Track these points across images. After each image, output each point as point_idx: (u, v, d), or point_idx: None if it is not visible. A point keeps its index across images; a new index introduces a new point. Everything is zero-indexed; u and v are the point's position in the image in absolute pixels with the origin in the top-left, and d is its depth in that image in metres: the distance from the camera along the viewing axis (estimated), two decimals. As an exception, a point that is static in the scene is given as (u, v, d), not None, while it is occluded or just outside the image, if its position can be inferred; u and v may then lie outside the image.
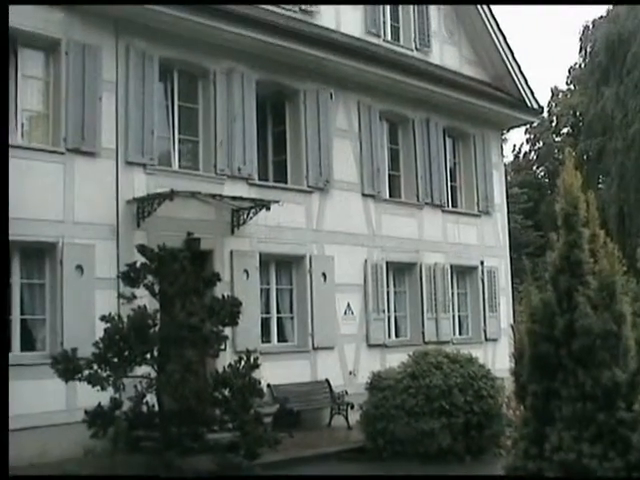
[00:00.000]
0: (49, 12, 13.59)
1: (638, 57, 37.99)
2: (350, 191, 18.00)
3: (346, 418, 15.88)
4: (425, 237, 19.63)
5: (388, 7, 20.07)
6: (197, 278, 11.76)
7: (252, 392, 11.58)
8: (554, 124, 50.75)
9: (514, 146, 51.88)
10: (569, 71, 50.39)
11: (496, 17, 21.43)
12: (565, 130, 50.60)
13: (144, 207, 14.16)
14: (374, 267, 18.15)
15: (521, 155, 51.52)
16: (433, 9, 20.89)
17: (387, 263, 18.58)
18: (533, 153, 51.35)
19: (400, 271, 19.30)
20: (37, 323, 13.37)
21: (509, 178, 40.34)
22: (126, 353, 11.08)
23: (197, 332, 11.13)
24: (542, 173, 50.03)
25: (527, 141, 51.24)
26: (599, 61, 41.88)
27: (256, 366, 11.67)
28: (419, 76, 19.14)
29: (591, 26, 46.23)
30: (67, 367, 10.91)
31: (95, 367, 10.91)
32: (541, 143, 50.58)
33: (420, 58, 20.21)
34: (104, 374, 10.89)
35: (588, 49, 46.22)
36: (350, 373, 17.23)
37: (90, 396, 11.15)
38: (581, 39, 47.14)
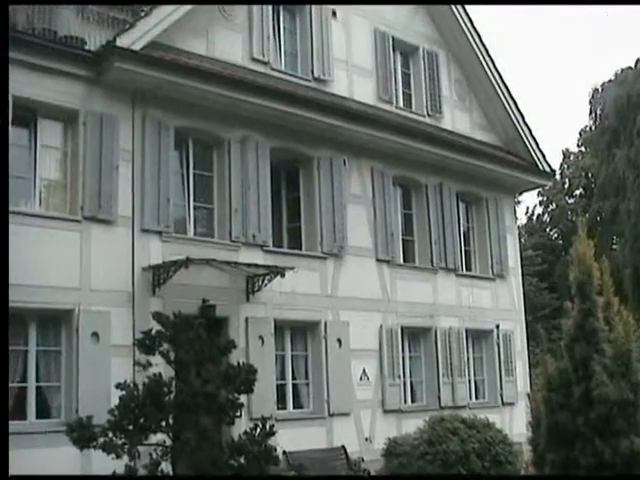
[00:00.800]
0: (69, 85, 13.91)
1: (647, 119, 38.31)
2: (364, 256, 18.06)
3: (362, 485, 15.72)
4: (440, 301, 19.61)
5: (400, 75, 20.37)
6: (212, 345, 11.75)
7: (268, 459, 11.47)
8: (566, 186, 50.98)
9: (527, 208, 52.16)
10: (580, 133, 50.81)
11: (506, 82, 21.68)
12: (578, 192, 50.80)
13: (160, 274, 14.25)
14: (389, 332, 18.11)
15: (534, 217, 51.67)
16: (444, 75, 21.16)
17: (402, 328, 18.54)
18: (546, 215, 51.50)
19: (415, 336, 19.24)
20: (52, 390, 13.38)
21: (523, 240, 40.39)
22: (141, 421, 11.02)
23: (212, 400, 11.09)
24: (556, 235, 50.08)
25: (540, 203, 51.50)
26: (609, 123, 42.21)
27: (272, 433, 11.58)
28: (431, 142, 19.33)
29: (600, 89, 46.71)
30: (82, 435, 10.85)
31: (110, 435, 10.86)
32: (554, 205, 50.76)
33: (432, 124, 20.41)
34: (119, 442, 10.83)
35: (598, 112, 46.69)
36: (366, 439, 17.07)
37: (105, 464, 11.06)
38: (591, 102, 47.63)
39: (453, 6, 20.83)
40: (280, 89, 16.39)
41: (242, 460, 11.44)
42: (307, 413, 16.66)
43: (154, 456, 11.31)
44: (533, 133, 22.15)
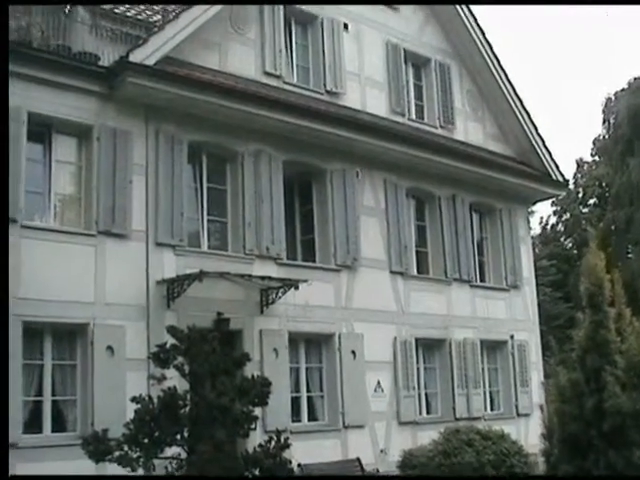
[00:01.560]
0: (83, 100, 14.04)
1: (661, 127, 38.27)
2: (378, 268, 18.06)
3: (378, 498, 15.70)
4: (454, 313, 19.59)
5: (412, 86, 20.43)
6: (227, 358, 11.79)
7: (283, 472, 11.51)
8: (580, 195, 50.79)
9: (541, 218, 51.92)
10: (593, 143, 50.62)
11: (518, 92, 21.69)
12: (592, 201, 50.59)
13: (174, 288, 14.32)
14: (403, 344, 18.09)
15: (548, 227, 51.47)
16: (456, 87, 21.19)
17: (416, 339, 18.52)
18: (560, 225, 51.29)
19: (429, 347, 19.22)
20: (68, 404, 13.44)
21: (537, 250, 40.25)
22: (156, 434, 11.06)
23: (227, 412, 11.12)
24: (570, 245, 49.88)
25: (554, 213, 51.28)
26: (622, 132, 42.14)
27: (286, 446, 11.59)
28: (444, 153, 19.34)
29: (613, 98, 46.65)
30: (97, 448, 10.90)
31: (125, 448, 10.91)
32: (568, 215, 50.56)
33: (445, 135, 20.44)
34: (134, 455, 10.88)
35: (611, 121, 46.58)
36: (381, 451, 17.04)
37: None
38: (604, 111, 47.53)
39: (464, 17, 20.86)
40: (293, 102, 16.48)
41: (257, 472, 11.47)
42: (322, 425, 16.67)
43: (169, 469, 11.35)
44: (546, 143, 22.13)
